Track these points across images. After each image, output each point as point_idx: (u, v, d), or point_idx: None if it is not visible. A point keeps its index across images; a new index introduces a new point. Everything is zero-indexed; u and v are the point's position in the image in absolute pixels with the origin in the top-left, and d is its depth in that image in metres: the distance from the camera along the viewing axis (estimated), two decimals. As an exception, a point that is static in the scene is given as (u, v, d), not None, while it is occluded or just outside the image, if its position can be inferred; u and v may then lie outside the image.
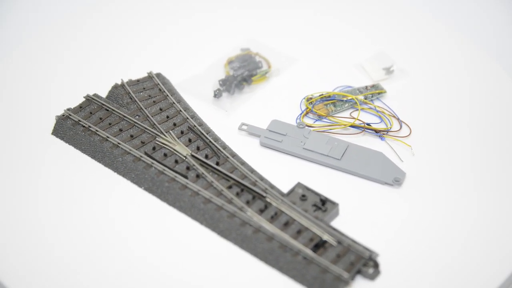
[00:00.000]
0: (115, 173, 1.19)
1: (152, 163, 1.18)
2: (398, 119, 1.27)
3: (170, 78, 1.36)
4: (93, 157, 1.21)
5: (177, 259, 1.09)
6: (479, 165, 1.20)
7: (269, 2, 1.53)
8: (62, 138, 1.24)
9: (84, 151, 1.22)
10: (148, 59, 1.40)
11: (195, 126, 1.24)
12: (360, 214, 1.14)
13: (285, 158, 1.22)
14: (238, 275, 1.07)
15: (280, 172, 1.19)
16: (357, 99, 1.28)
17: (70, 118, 1.25)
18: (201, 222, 1.12)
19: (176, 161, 1.18)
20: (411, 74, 1.35)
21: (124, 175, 1.19)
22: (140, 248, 1.10)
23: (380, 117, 1.27)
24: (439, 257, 1.08)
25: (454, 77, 1.35)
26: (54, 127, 1.25)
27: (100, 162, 1.21)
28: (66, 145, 1.24)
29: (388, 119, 1.27)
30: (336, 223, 1.12)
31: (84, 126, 1.24)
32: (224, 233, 1.11)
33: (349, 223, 1.13)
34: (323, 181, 1.18)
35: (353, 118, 1.26)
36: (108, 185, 1.18)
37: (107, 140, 1.22)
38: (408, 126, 1.25)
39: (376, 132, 1.24)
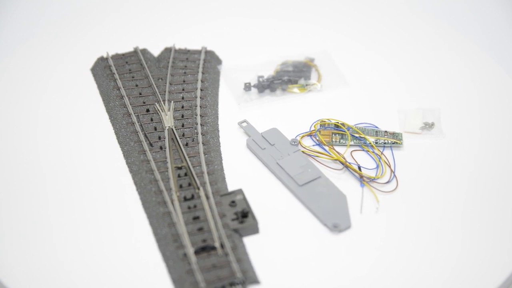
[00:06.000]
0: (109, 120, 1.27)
1: (134, 122, 1.23)
2: (393, 171, 1.19)
3: (228, 62, 1.38)
4: (103, 99, 1.30)
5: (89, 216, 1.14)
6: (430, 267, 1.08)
7: (354, 26, 1.48)
8: (94, 76, 1.34)
9: (101, 92, 1.31)
10: (230, 38, 1.45)
11: (196, 106, 1.26)
12: (280, 243, 1.10)
13: (262, 168, 1.20)
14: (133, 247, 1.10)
15: (249, 176, 1.18)
16: (352, 137, 1.22)
17: (106, 60, 1.34)
18: (137, 189, 1.16)
19: (155, 128, 1.22)
20: (446, 137, 1.25)
21: (112, 124, 1.25)
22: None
23: (377, 164, 1.20)
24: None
25: (484, 164, 1.21)
26: (93, 65, 1.35)
27: (105, 106, 1.29)
28: (94, 82, 1.33)
29: (383, 169, 1.19)
30: (250, 240, 1.10)
31: (111, 71, 1.32)
32: (145, 205, 1.14)
33: (265, 245, 1.09)
34: (279, 200, 1.15)
35: (349, 155, 1.21)
36: (98, 131, 1.25)
37: (118, 89, 1.29)
38: (397, 183, 1.17)
39: (360, 176, 1.18)
